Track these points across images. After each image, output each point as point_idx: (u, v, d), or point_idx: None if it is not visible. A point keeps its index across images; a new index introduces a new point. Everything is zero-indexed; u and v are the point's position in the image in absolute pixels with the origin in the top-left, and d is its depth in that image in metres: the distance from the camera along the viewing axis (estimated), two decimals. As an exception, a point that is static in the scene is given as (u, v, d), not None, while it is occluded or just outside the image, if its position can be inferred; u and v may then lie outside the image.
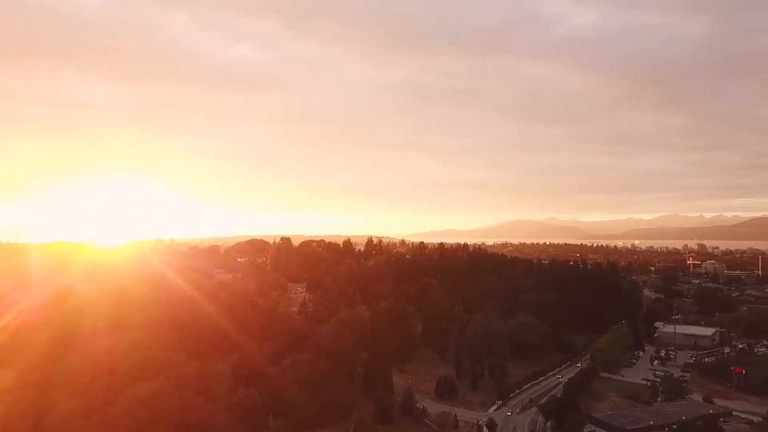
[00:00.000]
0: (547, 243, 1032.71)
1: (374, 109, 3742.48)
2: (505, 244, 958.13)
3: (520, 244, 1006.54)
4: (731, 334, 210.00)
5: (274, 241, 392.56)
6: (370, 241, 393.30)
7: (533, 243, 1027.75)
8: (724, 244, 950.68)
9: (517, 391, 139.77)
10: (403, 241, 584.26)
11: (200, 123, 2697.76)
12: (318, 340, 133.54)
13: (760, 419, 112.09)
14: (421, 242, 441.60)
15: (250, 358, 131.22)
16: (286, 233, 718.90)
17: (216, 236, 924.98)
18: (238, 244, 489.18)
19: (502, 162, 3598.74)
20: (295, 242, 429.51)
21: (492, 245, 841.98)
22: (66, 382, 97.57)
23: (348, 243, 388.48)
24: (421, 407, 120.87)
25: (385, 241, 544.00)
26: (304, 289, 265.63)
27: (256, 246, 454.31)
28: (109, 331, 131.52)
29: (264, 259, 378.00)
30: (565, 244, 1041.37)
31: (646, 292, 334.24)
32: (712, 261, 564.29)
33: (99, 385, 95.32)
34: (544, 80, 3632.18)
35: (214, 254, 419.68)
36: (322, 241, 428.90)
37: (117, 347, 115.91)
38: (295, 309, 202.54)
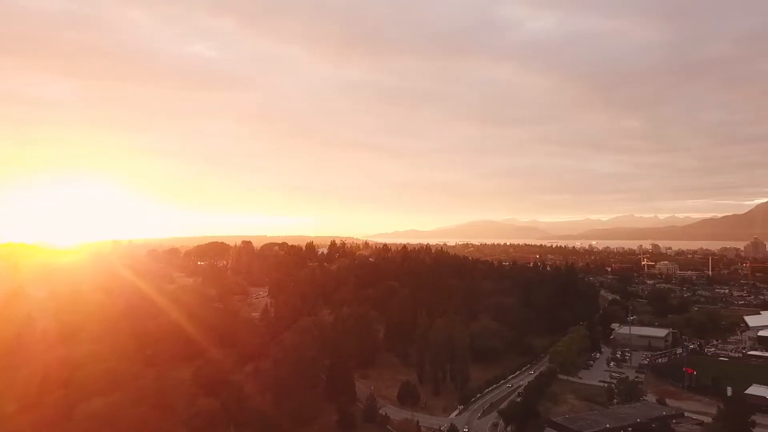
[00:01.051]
0: (508, 244, 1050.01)
1: (335, 109, 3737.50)
2: (466, 245, 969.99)
3: (481, 244, 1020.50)
4: (683, 335, 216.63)
5: (235, 244, 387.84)
6: (333, 243, 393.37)
7: (494, 243, 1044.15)
8: (676, 245, 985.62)
9: (478, 396, 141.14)
10: (366, 243, 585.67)
11: (157, 121, 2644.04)
12: (280, 348, 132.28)
13: (709, 420, 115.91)
14: (385, 245, 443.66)
15: (211, 365, 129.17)
16: (247, 234, 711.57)
17: (175, 237, 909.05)
18: (198, 246, 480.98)
19: (463, 163, 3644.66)
20: (257, 243, 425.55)
21: (454, 246, 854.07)
22: (15, 395, 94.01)
23: (310, 246, 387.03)
24: (384, 413, 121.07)
25: (348, 242, 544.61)
26: (266, 294, 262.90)
27: (217, 249, 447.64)
28: (62, 340, 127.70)
29: (225, 263, 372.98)
30: (525, 244, 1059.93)
31: (603, 293, 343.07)
32: (666, 262, 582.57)
33: (51, 399, 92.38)
34: (504, 83, 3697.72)
35: (174, 257, 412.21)
36: (285, 243, 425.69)
37: (71, 358, 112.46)
38: (257, 314, 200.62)
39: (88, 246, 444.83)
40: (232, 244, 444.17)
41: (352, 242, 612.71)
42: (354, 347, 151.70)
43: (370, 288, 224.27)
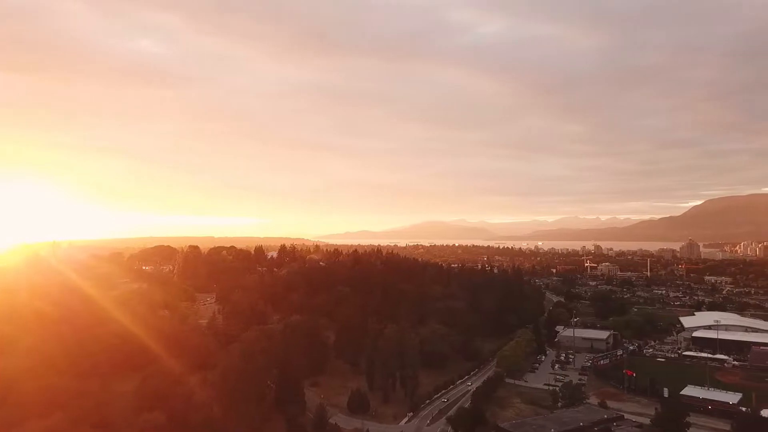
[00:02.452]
0: (457, 245, 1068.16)
1: (284, 109, 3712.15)
2: (417, 246, 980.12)
3: (431, 245, 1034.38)
4: (623, 337, 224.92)
5: (182, 248, 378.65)
6: (283, 247, 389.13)
7: (444, 245, 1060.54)
8: (617, 245, 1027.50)
9: (427, 402, 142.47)
10: (317, 246, 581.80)
11: (97, 119, 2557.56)
12: (228, 358, 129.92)
13: (647, 421, 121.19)
14: (336, 249, 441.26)
15: (156, 377, 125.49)
16: (194, 235, 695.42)
17: (118, 238, 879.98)
18: (143, 250, 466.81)
19: (414, 164, 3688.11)
20: (205, 245, 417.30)
21: (405, 247, 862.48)
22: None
23: (259, 250, 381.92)
24: (334, 423, 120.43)
25: (298, 244, 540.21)
26: (214, 300, 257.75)
27: (163, 252, 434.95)
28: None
29: (171, 267, 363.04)
30: (474, 245, 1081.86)
31: (549, 295, 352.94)
32: (607, 263, 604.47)
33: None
34: (453, 86, 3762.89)
35: (118, 260, 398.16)
36: (233, 247, 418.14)
37: (4, 374, 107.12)
38: (204, 321, 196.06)
39: (24, 248, 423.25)
40: (177, 246, 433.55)
41: (303, 245, 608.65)
42: (304, 355, 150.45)
43: (320, 294, 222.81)
